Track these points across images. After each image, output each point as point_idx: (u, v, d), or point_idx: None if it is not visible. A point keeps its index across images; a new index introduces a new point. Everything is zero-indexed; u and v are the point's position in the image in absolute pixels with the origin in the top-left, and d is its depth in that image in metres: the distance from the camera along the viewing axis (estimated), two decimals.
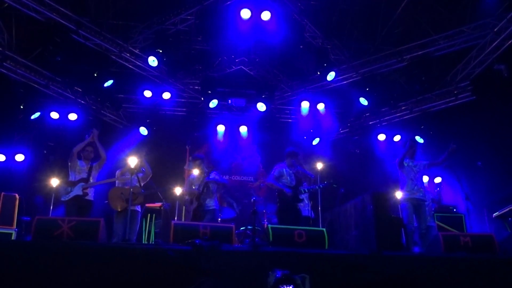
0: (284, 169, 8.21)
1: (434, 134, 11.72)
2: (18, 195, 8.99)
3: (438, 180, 9.97)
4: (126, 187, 7.54)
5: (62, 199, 7.54)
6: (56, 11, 9.52)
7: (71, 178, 7.71)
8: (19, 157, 10.93)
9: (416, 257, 6.27)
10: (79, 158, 7.87)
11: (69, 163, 7.82)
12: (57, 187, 8.03)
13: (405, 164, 7.95)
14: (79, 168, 7.76)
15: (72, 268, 5.02)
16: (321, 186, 7.95)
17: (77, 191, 7.53)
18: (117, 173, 8.11)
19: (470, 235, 6.76)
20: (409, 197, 7.74)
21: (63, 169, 9.50)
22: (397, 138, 12.01)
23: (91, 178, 7.77)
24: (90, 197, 7.69)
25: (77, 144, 8.01)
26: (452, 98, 11.45)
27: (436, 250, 6.51)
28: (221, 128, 11.99)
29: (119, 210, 7.63)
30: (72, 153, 7.78)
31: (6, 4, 9.32)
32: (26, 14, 9.43)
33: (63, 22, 9.64)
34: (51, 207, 8.55)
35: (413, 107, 11.93)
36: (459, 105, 11.40)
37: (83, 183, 7.62)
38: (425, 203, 7.88)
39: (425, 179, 8.96)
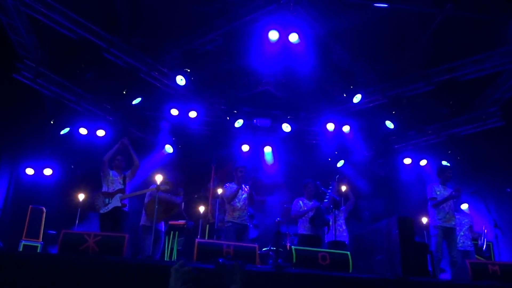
0: (301, 202, 8.25)
1: (462, 159, 11.54)
2: (45, 209, 9.18)
3: (465, 206, 9.78)
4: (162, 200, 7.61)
5: (101, 211, 7.35)
6: (89, 30, 9.76)
7: (105, 189, 7.56)
8: (47, 171, 11.14)
9: (443, 284, 6.13)
10: (111, 168, 7.76)
11: (101, 174, 7.68)
12: (84, 200, 8.04)
13: (438, 192, 7.81)
14: (112, 179, 7.63)
15: (96, 283, 5.05)
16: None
17: (116, 202, 7.38)
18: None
19: (499, 264, 6.58)
20: (441, 225, 7.59)
21: (89, 184, 9.68)
22: (423, 162, 11.89)
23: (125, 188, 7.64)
24: (126, 208, 7.57)
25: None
26: (481, 123, 11.25)
27: (464, 278, 6.36)
28: (245, 148, 12.04)
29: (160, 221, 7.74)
30: (103, 161, 7.63)
31: (41, 23, 9.61)
32: (60, 32, 9.69)
33: (95, 40, 9.86)
34: (77, 221, 8.66)
35: (440, 131, 11.77)
36: (488, 130, 11.21)
37: (120, 194, 7.48)
38: (456, 229, 7.73)
39: (465, 206, 8.83)
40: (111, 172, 7.68)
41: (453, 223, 7.64)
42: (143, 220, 7.83)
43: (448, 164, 8.16)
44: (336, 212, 8.30)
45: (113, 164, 7.79)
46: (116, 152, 7.81)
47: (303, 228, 8.14)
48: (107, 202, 7.39)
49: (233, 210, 7.73)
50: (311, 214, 8.10)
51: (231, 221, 7.67)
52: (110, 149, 7.86)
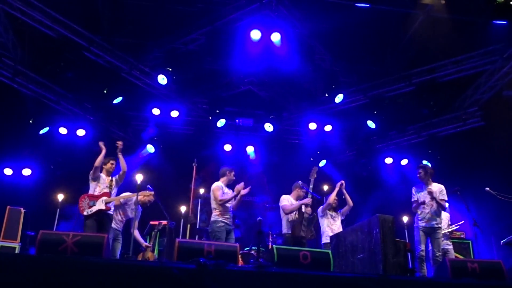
0: (290, 199, 8.21)
1: (442, 159, 11.68)
2: (24, 210, 9.03)
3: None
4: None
5: (85, 213, 7.28)
6: (69, 29, 9.65)
7: (92, 192, 7.49)
8: (26, 172, 10.98)
9: (423, 282, 6.17)
10: (100, 171, 7.66)
11: (91, 177, 7.56)
12: (62, 201, 7.92)
13: (418, 195, 7.82)
14: (101, 182, 7.56)
15: (76, 284, 4.97)
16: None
17: (100, 205, 7.33)
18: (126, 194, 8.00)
19: (478, 262, 6.62)
20: (421, 225, 7.63)
21: (69, 185, 9.55)
22: (404, 161, 12.01)
23: (113, 192, 7.61)
24: (111, 211, 7.51)
25: (88, 159, 7.83)
26: (461, 123, 11.45)
27: (443, 276, 6.41)
28: (228, 148, 12.00)
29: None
30: (96, 167, 7.49)
31: (20, 20, 9.47)
32: (39, 31, 9.55)
33: (75, 39, 9.75)
34: (55, 222, 8.53)
35: (421, 131, 11.92)
36: (468, 130, 11.37)
37: (105, 197, 7.42)
38: (440, 228, 7.76)
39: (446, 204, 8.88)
40: (100, 175, 7.63)
41: (434, 223, 7.65)
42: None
43: (427, 164, 8.13)
44: (333, 215, 8.31)
45: (104, 167, 7.71)
46: (109, 158, 7.72)
47: (288, 228, 8.09)
48: (91, 205, 7.37)
49: (225, 211, 7.70)
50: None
51: (223, 221, 7.63)
52: (100, 154, 7.66)
